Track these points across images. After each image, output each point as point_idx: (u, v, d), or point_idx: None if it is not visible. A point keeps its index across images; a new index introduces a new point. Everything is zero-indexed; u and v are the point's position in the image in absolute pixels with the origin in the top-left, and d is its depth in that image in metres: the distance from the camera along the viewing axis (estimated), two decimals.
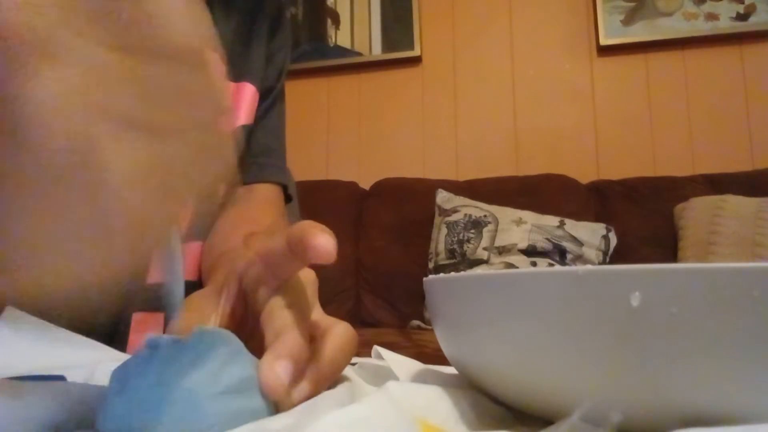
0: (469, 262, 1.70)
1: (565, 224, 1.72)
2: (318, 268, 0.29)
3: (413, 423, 0.18)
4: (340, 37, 2.25)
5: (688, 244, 1.65)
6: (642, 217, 1.79)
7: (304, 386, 0.24)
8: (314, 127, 2.23)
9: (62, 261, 0.16)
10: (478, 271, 0.58)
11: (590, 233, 1.71)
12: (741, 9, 1.97)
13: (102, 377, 0.28)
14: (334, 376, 0.27)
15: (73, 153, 0.14)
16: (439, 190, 1.89)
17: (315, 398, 0.24)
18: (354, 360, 0.31)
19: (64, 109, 0.14)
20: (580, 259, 1.68)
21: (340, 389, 0.26)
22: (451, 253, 1.73)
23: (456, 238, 1.74)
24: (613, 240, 1.72)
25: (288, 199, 0.64)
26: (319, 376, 0.25)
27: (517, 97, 2.13)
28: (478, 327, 0.21)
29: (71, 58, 0.14)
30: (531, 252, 1.68)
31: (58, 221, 0.15)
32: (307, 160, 2.18)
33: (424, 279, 0.25)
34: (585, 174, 1.96)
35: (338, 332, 0.27)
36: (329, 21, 2.27)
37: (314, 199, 1.89)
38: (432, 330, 0.38)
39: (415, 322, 1.67)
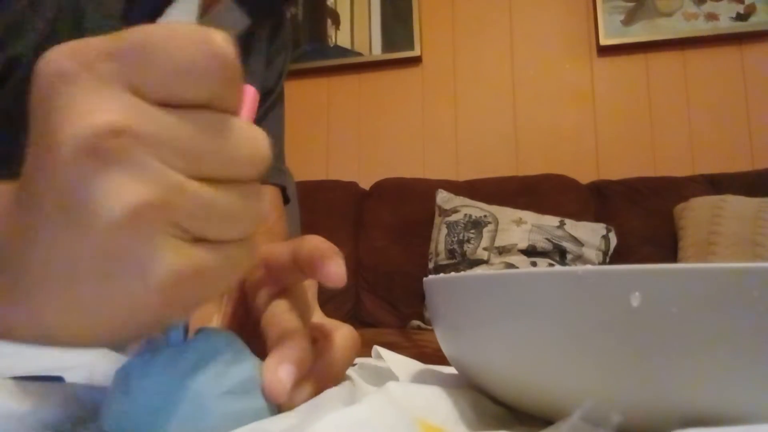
0: (469, 263, 1.70)
1: (565, 224, 1.72)
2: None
3: (413, 423, 0.18)
4: (340, 37, 2.25)
5: (688, 245, 1.65)
6: (642, 218, 1.79)
7: (307, 389, 0.24)
8: (314, 127, 2.23)
9: (80, 322, 0.18)
10: (478, 271, 0.58)
11: (590, 233, 1.71)
12: (741, 9, 1.97)
13: (101, 378, 0.28)
14: (337, 379, 0.27)
15: (124, 252, 0.16)
16: (439, 190, 1.89)
17: (316, 398, 0.24)
18: (354, 360, 0.31)
19: (129, 218, 0.16)
20: (580, 259, 1.68)
21: (341, 389, 0.26)
22: (451, 253, 1.73)
23: (456, 238, 1.74)
24: (613, 240, 1.72)
25: (286, 200, 0.64)
26: (322, 379, 0.25)
27: (517, 97, 2.13)
28: (478, 327, 0.21)
29: (148, 178, 0.16)
30: (531, 252, 1.68)
31: (89, 296, 0.17)
32: (307, 160, 2.18)
33: (424, 279, 0.25)
34: (585, 174, 1.96)
35: (342, 335, 0.28)
36: (329, 21, 2.27)
37: (314, 200, 1.89)
38: (432, 330, 0.38)
39: (415, 322, 1.67)
